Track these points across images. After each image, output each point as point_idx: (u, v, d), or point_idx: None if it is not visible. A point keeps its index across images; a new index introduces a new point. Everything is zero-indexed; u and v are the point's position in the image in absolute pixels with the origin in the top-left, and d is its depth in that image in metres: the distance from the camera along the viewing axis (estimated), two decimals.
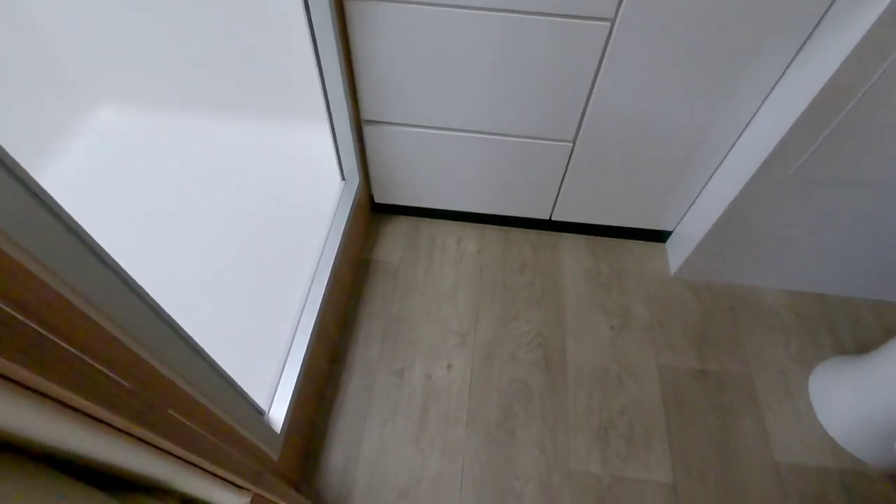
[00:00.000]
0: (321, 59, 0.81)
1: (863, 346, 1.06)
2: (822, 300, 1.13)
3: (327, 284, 0.90)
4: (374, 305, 1.10)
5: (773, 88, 0.83)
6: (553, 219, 1.17)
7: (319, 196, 1.03)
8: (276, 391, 0.77)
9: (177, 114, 1.15)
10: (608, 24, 0.76)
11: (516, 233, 1.23)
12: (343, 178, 1.05)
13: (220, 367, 0.54)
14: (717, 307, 1.11)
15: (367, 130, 1.01)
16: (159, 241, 0.96)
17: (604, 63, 0.82)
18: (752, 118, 0.88)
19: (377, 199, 1.19)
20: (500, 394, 0.99)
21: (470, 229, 1.23)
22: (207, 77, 1.06)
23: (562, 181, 1.06)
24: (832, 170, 0.84)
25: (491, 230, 1.23)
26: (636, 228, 1.18)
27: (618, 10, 0.75)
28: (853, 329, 1.09)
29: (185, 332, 0.46)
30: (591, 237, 1.23)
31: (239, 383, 0.61)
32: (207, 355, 0.51)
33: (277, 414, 0.75)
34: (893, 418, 0.85)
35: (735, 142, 0.93)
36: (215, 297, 0.89)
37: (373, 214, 1.25)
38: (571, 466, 0.91)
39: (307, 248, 0.96)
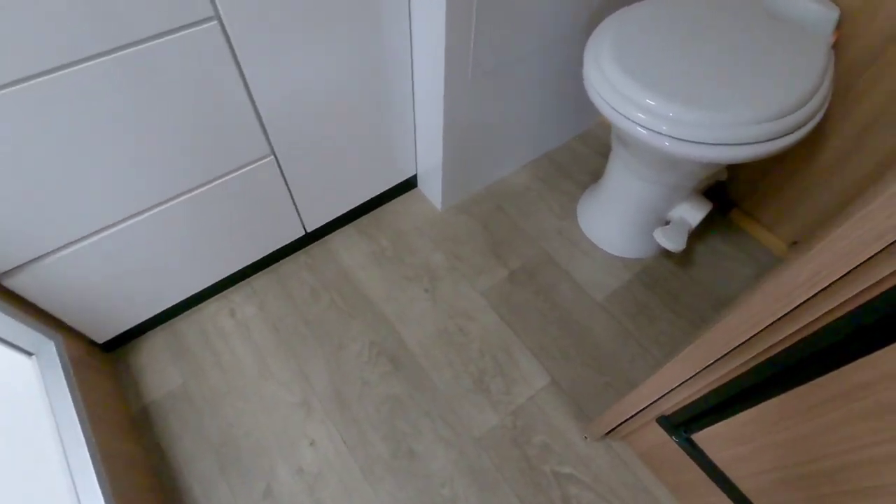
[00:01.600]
0: None
1: (594, 173, 1.26)
2: (550, 157, 1.29)
3: (100, 479, 0.66)
4: (186, 447, 0.87)
5: (410, 9, 0.82)
6: (310, 231, 1.06)
7: (10, 397, 0.73)
8: None
9: None
10: (215, 21, 0.64)
11: (286, 265, 1.09)
12: (29, 352, 0.76)
13: None
14: (489, 213, 1.18)
15: (23, 280, 0.72)
16: None
17: (241, 62, 0.70)
18: (411, 43, 0.88)
19: (102, 340, 0.91)
20: (375, 426, 0.90)
21: (235, 293, 1.05)
22: None
23: (291, 193, 0.95)
24: (498, 56, 0.90)
25: (258, 279, 1.07)
26: (387, 191, 1.15)
27: (214, 3, 0.62)
28: (580, 165, 1.27)
29: None
30: (355, 222, 1.16)
31: None
32: None
33: None
34: (639, 216, 1.03)
35: (412, 72, 0.93)
36: None
37: (109, 355, 0.97)
38: (476, 433, 0.90)
39: (37, 466, 0.68)
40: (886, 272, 0.33)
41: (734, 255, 1.12)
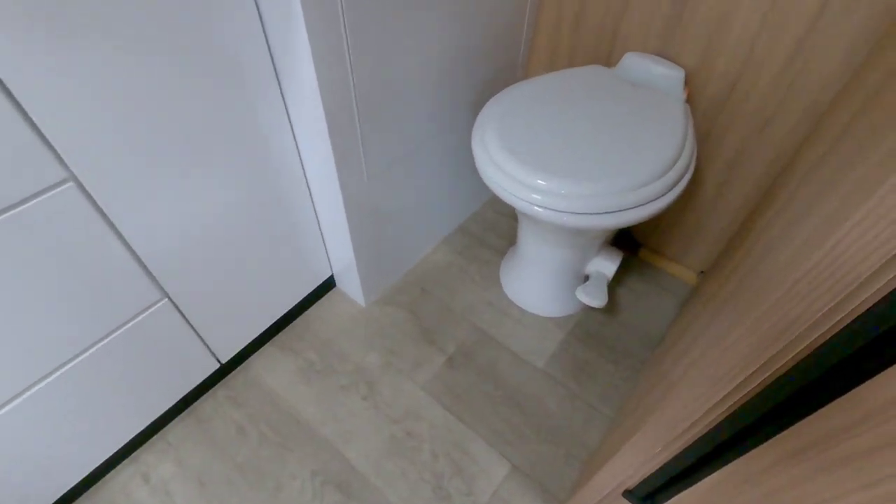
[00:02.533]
0: None
1: (509, 236, 1.28)
2: (464, 229, 1.30)
3: None
4: None
5: (293, 127, 0.81)
6: (224, 362, 0.97)
7: None
8: None
9: None
10: (71, 182, 0.58)
11: (203, 404, 0.98)
12: None
13: None
14: (415, 299, 1.15)
15: None
16: None
17: (110, 216, 0.64)
18: (300, 158, 0.86)
19: None
20: None
21: (148, 452, 0.92)
22: None
23: (195, 330, 0.87)
24: (390, 156, 0.91)
25: (173, 429, 0.95)
26: (304, 298, 1.09)
27: (65, 165, 0.57)
28: (495, 230, 1.30)
29: None
30: (275, 339, 1.08)
31: None
32: None
33: None
34: (558, 277, 1.05)
35: (307, 184, 0.90)
36: None
37: None
38: None
39: None
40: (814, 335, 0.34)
41: (653, 292, 1.17)
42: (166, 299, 0.78)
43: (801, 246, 0.38)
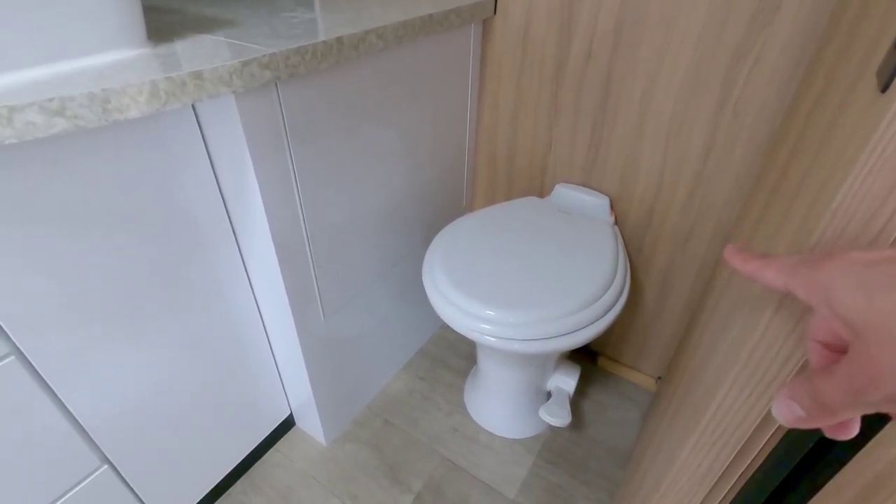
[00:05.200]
0: None
1: (469, 357, 1.29)
2: (424, 352, 1.31)
3: None
4: None
5: (248, 275, 0.84)
6: None
7: None
8: None
9: None
10: (13, 356, 0.57)
11: None
12: None
13: None
14: (378, 433, 1.11)
15: None
16: None
17: (53, 388, 0.62)
18: (257, 305, 0.88)
19: None
20: None
21: None
22: None
23: (139, 497, 0.80)
24: (343, 293, 0.94)
25: None
26: (262, 441, 1.04)
27: (7, 338, 0.57)
28: (454, 352, 1.31)
29: None
30: (230, 490, 1.00)
31: None
32: None
33: None
34: (521, 397, 1.05)
35: (265, 327, 0.91)
36: None
37: None
38: None
39: None
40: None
41: (616, 404, 1.18)
42: (107, 466, 0.73)
43: (725, 356, 0.42)
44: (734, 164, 0.86)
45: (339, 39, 0.65)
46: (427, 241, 1.15)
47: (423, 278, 0.88)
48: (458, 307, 0.80)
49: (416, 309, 1.22)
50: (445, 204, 1.16)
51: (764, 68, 0.77)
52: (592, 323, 0.80)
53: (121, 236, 0.63)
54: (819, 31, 0.71)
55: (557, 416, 0.97)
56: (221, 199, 0.73)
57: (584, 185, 1.05)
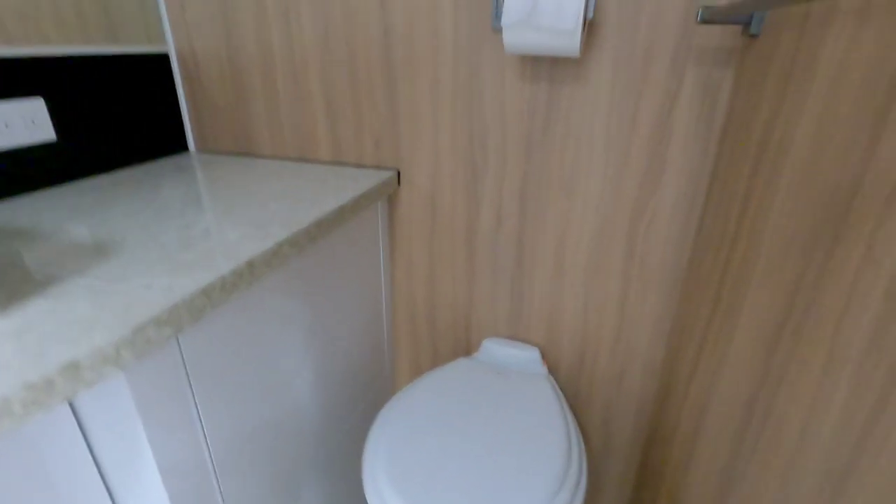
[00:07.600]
0: None
1: None
2: None
3: None
4: None
5: None
6: None
7: None
8: None
9: None
10: None
11: None
12: None
13: None
14: None
15: None
16: None
17: None
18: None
19: None
20: None
21: None
22: None
23: None
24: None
25: None
26: None
27: None
28: None
29: None
30: None
31: None
32: None
33: None
34: None
35: None
36: None
37: None
38: None
39: None
40: None
41: None
42: None
43: None
44: (649, 308, 0.91)
45: (249, 263, 0.57)
46: (357, 416, 1.02)
47: (365, 486, 0.74)
48: None
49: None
50: (368, 379, 1.05)
51: (659, 223, 0.84)
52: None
53: None
54: (704, 188, 0.80)
55: None
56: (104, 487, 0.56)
57: (511, 339, 1.03)
